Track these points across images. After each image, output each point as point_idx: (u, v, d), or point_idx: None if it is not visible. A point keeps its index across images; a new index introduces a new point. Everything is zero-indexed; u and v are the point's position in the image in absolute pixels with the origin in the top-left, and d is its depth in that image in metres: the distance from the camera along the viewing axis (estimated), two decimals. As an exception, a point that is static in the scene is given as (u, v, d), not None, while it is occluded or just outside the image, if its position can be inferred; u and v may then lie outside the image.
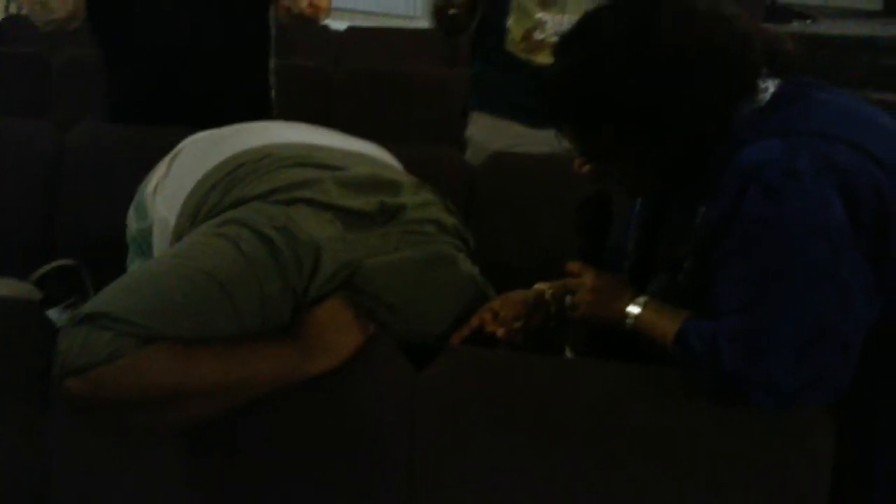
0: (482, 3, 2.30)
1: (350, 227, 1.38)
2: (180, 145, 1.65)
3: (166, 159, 1.63)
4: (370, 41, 4.46)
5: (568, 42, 1.33)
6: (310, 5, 2.28)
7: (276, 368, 1.27)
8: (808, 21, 5.52)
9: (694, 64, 1.22)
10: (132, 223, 1.66)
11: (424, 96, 3.34)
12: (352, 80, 3.40)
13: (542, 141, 2.31)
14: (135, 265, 1.65)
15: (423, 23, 6.41)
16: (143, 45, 2.28)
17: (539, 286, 1.55)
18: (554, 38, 2.23)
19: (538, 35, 2.27)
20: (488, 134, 2.44)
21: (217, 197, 1.42)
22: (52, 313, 1.83)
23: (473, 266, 1.54)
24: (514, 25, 2.29)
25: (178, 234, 1.45)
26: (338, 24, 4.64)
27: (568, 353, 1.61)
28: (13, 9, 4.83)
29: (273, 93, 2.48)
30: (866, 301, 1.20)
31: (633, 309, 1.37)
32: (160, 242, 1.54)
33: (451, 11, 2.24)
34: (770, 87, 1.28)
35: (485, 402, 1.39)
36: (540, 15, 2.26)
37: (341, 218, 1.38)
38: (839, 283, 1.18)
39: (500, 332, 1.48)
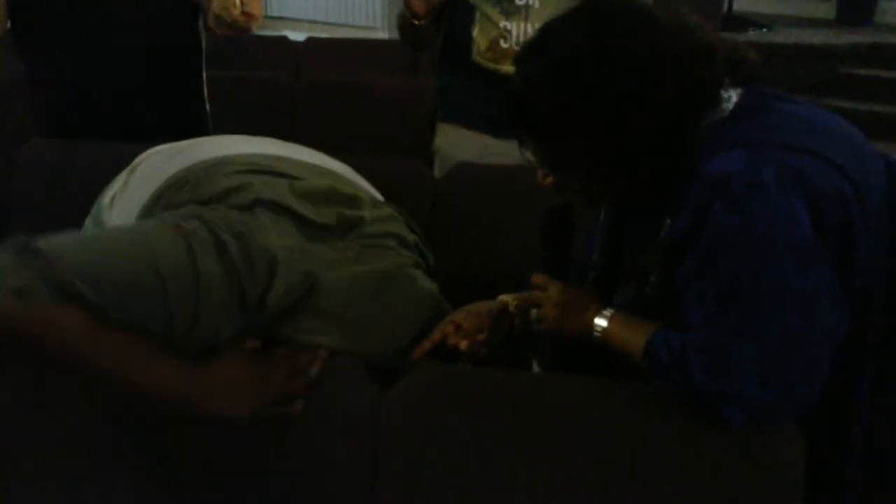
0: (446, 15, 2.30)
1: (307, 237, 1.36)
2: (138, 159, 1.61)
3: (124, 173, 1.60)
4: (330, 52, 4.43)
5: (528, 52, 1.31)
6: (242, 13, 2.22)
7: (166, 389, 1.23)
8: (764, 29, 5.60)
9: (655, 75, 1.20)
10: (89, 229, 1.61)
11: (386, 107, 3.32)
12: (312, 91, 3.37)
13: (509, 151, 2.29)
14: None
15: (383, 33, 6.44)
16: (66, 60, 2.23)
17: (503, 298, 1.54)
18: (519, 48, 2.23)
19: (503, 44, 2.26)
20: (455, 145, 2.43)
21: (169, 198, 1.40)
22: None
23: (432, 283, 1.52)
24: (479, 35, 2.28)
25: None
26: (297, 35, 4.61)
27: (535, 368, 1.59)
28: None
29: (207, 106, 2.44)
30: (834, 313, 1.20)
31: (600, 321, 1.36)
32: None
33: (417, 23, 2.23)
34: (733, 97, 1.27)
35: (451, 420, 1.37)
36: (504, 24, 2.25)
37: (299, 226, 1.35)
38: (806, 295, 1.17)
39: (463, 344, 1.47)
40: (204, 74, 2.45)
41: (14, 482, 1.41)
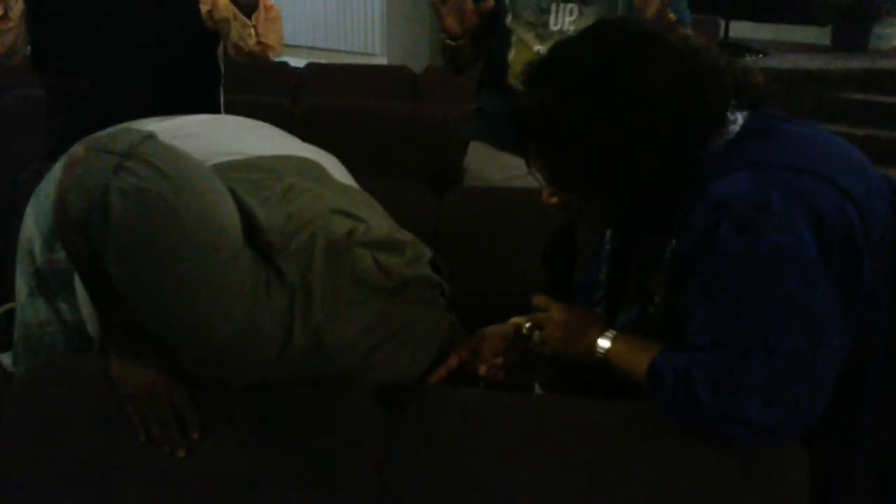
0: (487, 39, 2.32)
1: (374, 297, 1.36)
2: None
3: None
4: (330, 77, 4.45)
5: (537, 72, 1.31)
6: (257, 43, 2.28)
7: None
8: (760, 55, 5.64)
9: (662, 97, 1.21)
10: (38, 250, 1.56)
11: (386, 131, 3.33)
12: (312, 115, 3.39)
13: None
14: (33, 313, 1.59)
15: (382, 59, 6.47)
16: (86, 84, 2.25)
17: (515, 320, 1.53)
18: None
19: None
20: (485, 163, 2.45)
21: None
22: (4, 358, 1.78)
23: (451, 313, 1.52)
24: (514, 59, 2.30)
25: None
26: (297, 61, 4.63)
27: (537, 390, 1.59)
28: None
29: None
30: (838, 333, 1.20)
31: (603, 342, 1.36)
32: None
33: (454, 44, 2.25)
34: (739, 119, 1.27)
35: (457, 441, 1.37)
36: (538, 48, 2.26)
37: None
38: (811, 317, 1.17)
39: (482, 369, 1.47)
40: (222, 99, 2.48)
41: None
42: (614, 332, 1.36)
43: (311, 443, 1.38)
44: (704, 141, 1.25)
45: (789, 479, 1.30)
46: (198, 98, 2.29)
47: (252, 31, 2.24)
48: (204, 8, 2.26)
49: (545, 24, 2.26)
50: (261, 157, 1.49)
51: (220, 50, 2.42)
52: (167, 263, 1.17)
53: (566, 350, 1.41)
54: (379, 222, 1.45)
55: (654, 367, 1.27)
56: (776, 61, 5.53)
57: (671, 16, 2.10)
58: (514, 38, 2.29)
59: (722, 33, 5.96)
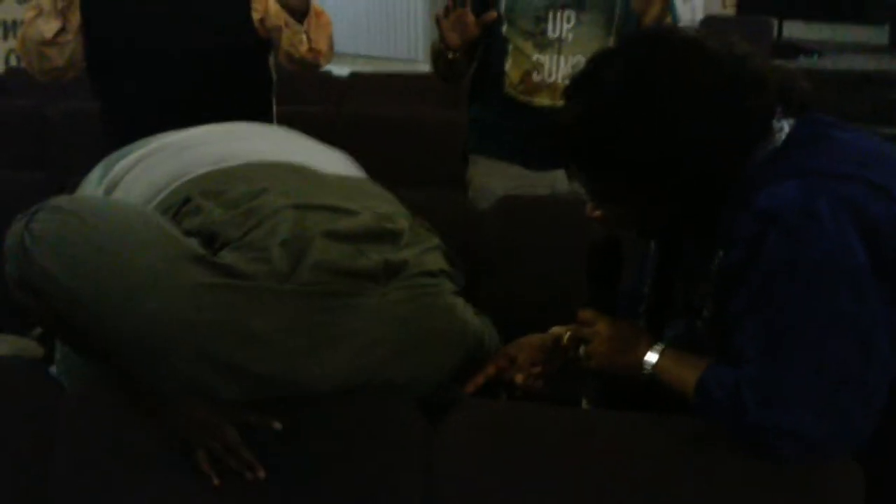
0: (479, 48, 2.30)
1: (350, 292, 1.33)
2: (112, 177, 1.57)
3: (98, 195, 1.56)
4: (373, 86, 4.46)
5: (577, 85, 1.30)
6: (309, 50, 2.28)
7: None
8: (815, 56, 5.52)
9: (704, 107, 1.19)
10: None
11: (429, 140, 3.34)
12: (355, 124, 3.39)
13: (541, 182, 2.31)
14: None
15: (425, 66, 6.48)
16: (140, 98, 2.27)
17: (556, 330, 1.52)
18: (552, 80, 2.24)
19: (536, 77, 2.27)
20: (488, 176, 2.44)
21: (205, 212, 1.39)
22: (54, 370, 1.76)
23: (467, 306, 1.50)
24: (511, 68, 2.29)
25: None
26: (340, 70, 4.64)
27: (584, 405, 1.57)
28: (13, 61, 4.85)
29: None
30: (889, 346, 1.17)
31: (651, 357, 1.33)
32: None
33: (452, 56, 2.24)
34: (785, 127, 1.25)
35: (503, 455, 1.36)
36: (537, 57, 2.26)
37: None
38: (861, 328, 1.15)
39: (519, 378, 1.47)
40: (274, 108, 2.50)
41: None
42: (662, 347, 1.34)
43: (356, 456, 1.38)
44: (749, 149, 1.23)
45: (843, 497, 1.27)
46: (251, 108, 2.31)
47: (304, 37, 2.25)
48: (256, 16, 2.28)
49: (543, 32, 2.25)
50: (244, 165, 1.49)
51: (272, 59, 2.43)
52: (101, 271, 1.23)
53: (613, 365, 1.39)
54: (370, 213, 1.42)
55: (702, 383, 1.25)
56: (831, 62, 5.41)
57: (668, 19, 2.09)
58: (510, 48, 2.28)
59: (775, 33, 5.85)
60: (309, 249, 1.31)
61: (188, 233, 1.34)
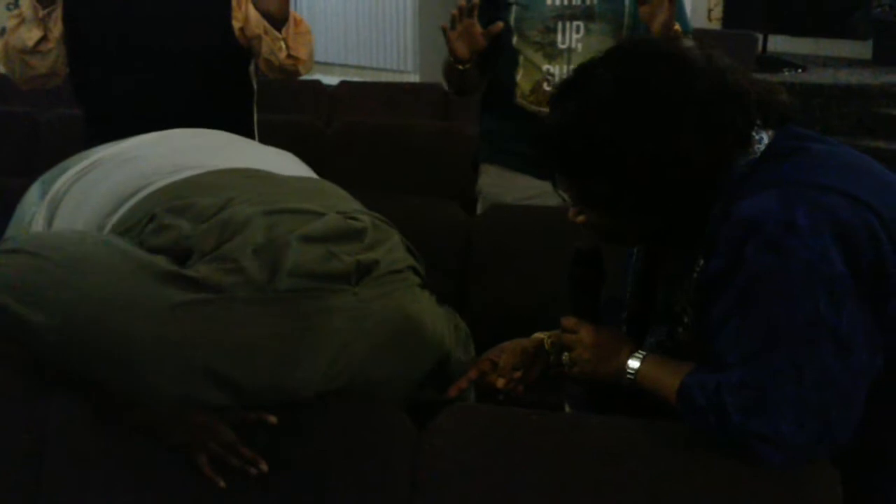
0: (492, 61, 2.31)
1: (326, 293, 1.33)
2: (52, 196, 1.54)
3: (40, 218, 1.53)
4: (362, 96, 4.47)
5: (562, 93, 1.32)
6: (288, 57, 2.29)
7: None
8: (799, 70, 5.57)
9: (686, 117, 1.21)
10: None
11: (418, 150, 3.34)
12: (344, 134, 3.40)
13: (553, 193, 2.30)
14: None
15: (415, 77, 6.50)
16: (122, 104, 2.27)
17: (538, 335, 1.53)
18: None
19: (546, 87, 2.28)
20: (499, 186, 2.45)
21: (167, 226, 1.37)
22: None
23: (431, 298, 1.51)
24: (522, 79, 2.30)
25: None
26: (329, 79, 4.66)
27: (567, 410, 1.57)
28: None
29: None
30: (868, 353, 1.19)
31: (633, 363, 1.35)
32: None
33: (461, 68, 2.24)
34: (765, 138, 1.27)
35: (487, 459, 1.36)
36: (547, 67, 2.28)
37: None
38: (840, 336, 1.17)
39: (500, 382, 1.47)
40: (255, 117, 2.50)
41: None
42: (644, 353, 1.36)
43: (342, 460, 1.38)
44: (729, 160, 1.24)
45: (821, 500, 1.28)
46: (230, 116, 2.32)
47: (283, 44, 2.25)
48: (236, 25, 2.29)
49: (553, 43, 2.26)
50: (203, 175, 1.48)
51: (252, 68, 2.44)
52: (68, 304, 1.22)
53: (596, 371, 1.40)
54: (335, 213, 1.41)
55: (684, 388, 1.26)
56: (815, 76, 5.45)
57: (677, 27, 2.10)
58: (521, 59, 2.29)
59: (760, 48, 5.89)
60: (284, 255, 1.30)
61: (156, 250, 1.32)
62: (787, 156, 1.25)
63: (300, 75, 2.44)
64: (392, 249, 1.44)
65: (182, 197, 1.41)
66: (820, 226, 1.16)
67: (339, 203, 1.48)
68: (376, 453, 1.39)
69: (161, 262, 1.28)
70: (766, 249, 1.17)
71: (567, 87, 1.32)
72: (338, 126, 3.49)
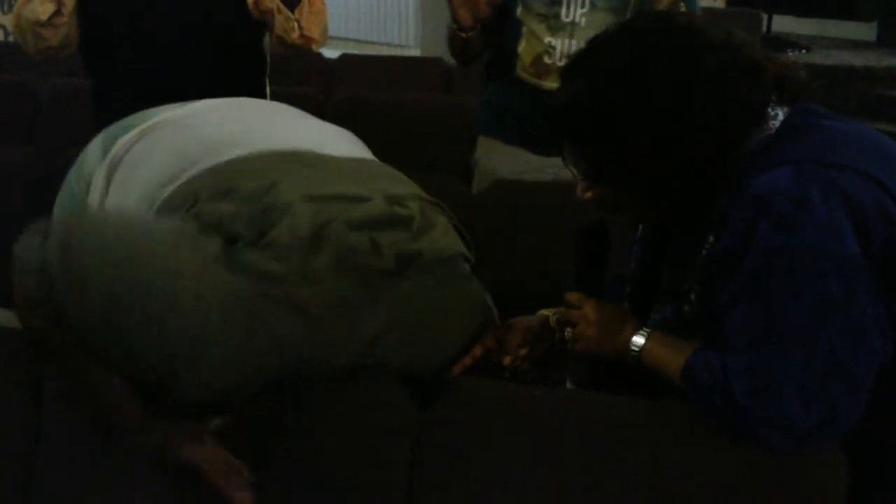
0: (496, 31, 2.30)
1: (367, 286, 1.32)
2: (112, 157, 1.53)
3: (100, 177, 1.53)
4: (363, 69, 4.44)
5: (574, 67, 1.30)
6: (300, 36, 2.29)
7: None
8: (804, 51, 5.54)
9: (701, 92, 1.19)
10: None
11: (419, 124, 3.33)
12: (345, 107, 3.38)
13: (547, 168, 2.30)
14: None
15: (416, 51, 6.46)
16: (134, 76, 2.26)
17: (543, 312, 1.51)
18: (562, 64, 2.22)
19: (547, 60, 2.27)
20: (494, 159, 2.44)
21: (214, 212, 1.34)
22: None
23: (479, 285, 1.50)
24: (524, 51, 2.29)
25: None
26: (330, 53, 4.62)
27: (568, 386, 1.56)
28: (1, 35, 4.80)
29: None
30: (878, 336, 1.18)
31: (638, 339, 1.34)
32: None
33: (464, 36, 2.24)
34: (779, 115, 1.25)
35: (489, 436, 1.36)
36: (549, 40, 2.26)
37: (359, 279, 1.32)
38: (851, 318, 1.16)
39: (507, 360, 1.46)
40: (268, 90, 2.49)
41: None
42: (649, 330, 1.34)
43: (343, 437, 1.37)
44: (743, 136, 1.23)
45: (827, 484, 1.28)
46: (244, 89, 2.30)
47: (295, 24, 2.25)
48: None
49: (557, 16, 2.25)
50: (250, 157, 1.45)
51: (266, 40, 2.42)
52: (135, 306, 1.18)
53: (600, 348, 1.39)
54: (381, 198, 1.39)
55: (689, 367, 1.25)
56: (820, 57, 5.43)
57: (681, 7, 2.09)
58: (524, 30, 2.28)
59: (764, 27, 5.86)
60: (328, 245, 1.29)
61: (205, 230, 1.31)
62: (802, 133, 1.24)
63: (313, 52, 2.42)
64: (439, 237, 1.41)
65: (228, 180, 1.39)
66: (833, 205, 1.15)
67: (392, 186, 1.45)
68: (377, 430, 1.38)
69: (217, 248, 1.27)
70: (779, 228, 1.16)
71: (579, 60, 1.30)
72: (339, 98, 3.47)
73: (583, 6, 2.23)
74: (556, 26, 2.25)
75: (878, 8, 5.92)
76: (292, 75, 3.91)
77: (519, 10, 2.27)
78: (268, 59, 2.47)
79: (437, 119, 3.28)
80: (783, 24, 6.27)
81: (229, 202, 1.34)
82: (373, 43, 6.77)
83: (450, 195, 2.28)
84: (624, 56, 1.23)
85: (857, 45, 6.04)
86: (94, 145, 1.60)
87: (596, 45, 1.29)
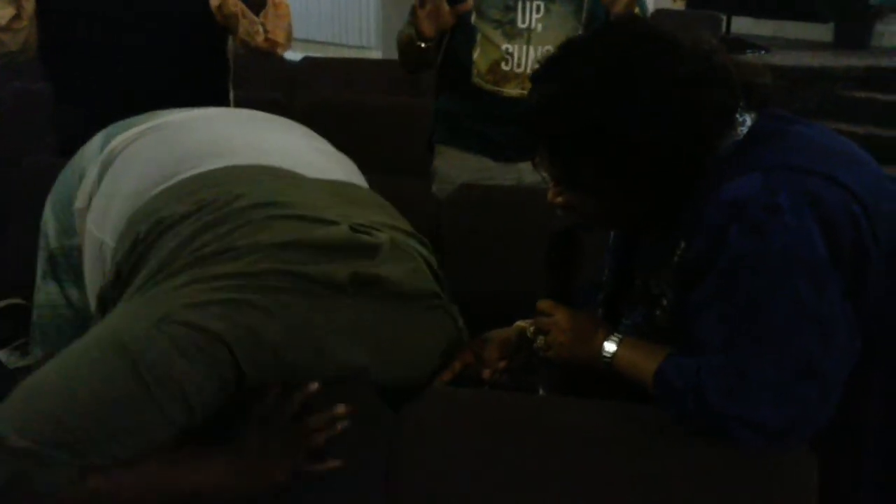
0: (447, 37, 2.29)
1: (317, 296, 1.27)
2: (108, 152, 1.52)
3: (93, 172, 1.51)
4: (326, 72, 4.41)
5: (546, 70, 1.30)
6: (265, 39, 2.28)
7: (212, 488, 1.22)
8: (762, 52, 5.60)
9: (672, 99, 1.19)
10: (53, 235, 1.57)
11: (385, 127, 3.30)
12: (310, 111, 3.34)
13: (507, 174, 2.30)
14: (45, 296, 1.59)
15: (377, 53, 6.44)
16: (95, 80, 2.25)
17: (519, 324, 1.51)
18: (521, 70, 2.24)
19: (504, 67, 2.26)
20: (454, 167, 2.43)
21: (176, 245, 1.30)
22: (1, 354, 1.77)
23: (456, 316, 1.46)
24: (479, 58, 2.28)
25: (131, 263, 1.33)
26: (292, 55, 4.59)
27: (541, 393, 1.56)
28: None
29: None
30: (848, 337, 1.19)
31: (609, 346, 1.34)
32: (93, 264, 1.45)
33: (423, 46, 2.22)
34: (747, 120, 1.26)
35: (464, 443, 1.36)
36: (506, 46, 2.25)
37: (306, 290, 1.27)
38: (822, 320, 1.17)
39: (486, 373, 1.46)
40: (231, 95, 2.48)
41: None
42: (620, 336, 1.35)
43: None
44: (713, 142, 1.24)
45: (798, 483, 1.29)
46: (207, 93, 2.29)
47: (260, 27, 2.23)
48: (213, 2, 2.26)
49: (512, 22, 2.25)
50: (224, 169, 1.42)
51: (230, 45, 2.41)
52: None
53: (572, 355, 1.39)
54: (347, 225, 1.34)
55: (661, 372, 1.26)
56: (778, 58, 5.50)
57: (636, 10, 2.10)
58: (479, 37, 2.27)
59: (723, 29, 5.92)
60: (269, 255, 1.26)
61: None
62: (771, 138, 1.25)
63: (278, 55, 2.42)
64: (410, 271, 1.36)
65: (192, 192, 1.37)
66: (803, 210, 1.16)
67: (368, 214, 1.40)
68: (352, 439, 1.35)
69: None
70: (750, 233, 1.16)
71: (550, 67, 1.29)
72: (303, 103, 3.44)
73: (538, 11, 2.23)
74: (512, 32, 2.25)
75: (834, 9, 6.01)
76: (254, 80, 3.88)
77: (473, 17, 2.26)
78: (231, 63, 2.45)
79: (402, 122, 3.26)
80: (742, 25, 6.35)
81: (180, 204, 1.33)
82: (333, 44, 6.75)
83: (416, 199, 2.29)
84: (598, 63, 1.23)
85: (814, 45, 6.13)
86: (96, 139, 1.60)
87: (568, 51, 1.29)
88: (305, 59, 4.65)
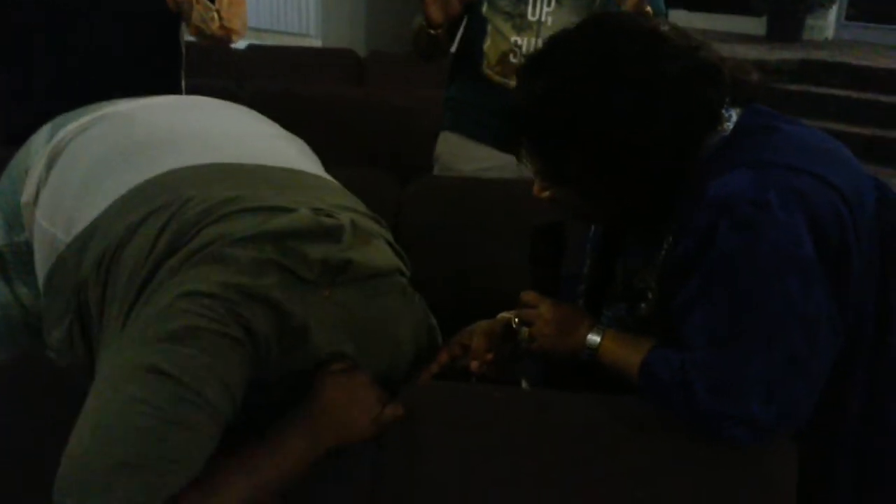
0: (462, 26, 2.29)
1: (292, 285, 1.25)
2: (56, 144, 1.47)
3: (40, 164, 1.46)
4: (272, 60, 4.36)
5: (532, 66, 1.29)
6: (221, 27, 2.25)
7: (302, 457, 1.23)
8: (699, 45, 5.70)
9: (659, 94, 1.19)
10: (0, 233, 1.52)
11: (332, 116, 3.27)
12: (258, 99, 3.29)
13: (510, 164, 2.30)
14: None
15: (317, 41, 6.37)
16: (47, 69, 2.19)
17: (504, 315, 1.50)
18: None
19: (513, 59, 2.26)
20: (457, 155, 2.43)
21: (163, 247, 1.26)
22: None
23: (418, 301, 1.44)
24: (489, 49, 2.28)
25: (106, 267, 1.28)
26: (238, 43, 4.53)
27: (524, 386, 1.56)
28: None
29: None
30: (832, 332, 1.21)
31: (594, 338, 1.34)
32: (45, 259, 1.40)
33: (433, 33, 2.21)
34: (733, 116, 1.27)
35: (448, 436, 1.35)
36: (515, 38, 2.25)
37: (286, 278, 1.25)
38: (808, 317, 1.18)
39: (474, 365, 1.44)
40: (183, 83, 2.42)
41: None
42: (604, 329, 1.35)
43: None
44: (701, 138, 1.24)
45: (778, 474, 1.31)
46: (159, 80, 2.25)
47: (215, 14, 2.19)
48: None
49: (522, 15, 2.24)
50: (170, 172, 1.38)
51: (182, 32, 2.36)
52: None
53: (556, 347, 1.39)
54: (306, 209, 1.32)
55: (647, 364, 1.26)
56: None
57: (648, 9, 2.10)
58: (489, 28, 2.27)
59: (659, 21, 6.00)
60: (228, 256, 1.23)
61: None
62: (758, 135, 1.25)
63: (232, 43, 2.38)
64: (373, 250, 1.35)
65: (144, 201, 1.33)
66: (791, 207, 1.16)
67: (325, 198, 1.37)
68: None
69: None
70: (738, 230, 1.17)
71: (537, 62, 1.28)
72: (253, 92, 3.39)
73: (549, 5, 2.23)
74: (521, 25, 2.24)
75: (767, 3, 6.14)
76: (200, 66, 3.81)
77: (485, 8, 2.26)
78: (183, 50, 2.40)
79: (353, 112, 3.24)
80: (677, 17, 6.42)
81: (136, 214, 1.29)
82: (273, 31, 6.66)
83: (377, 190, 2.27)
84: (585, 58, 1.22)
85: (747, 38, 6.25)
86: (43, 132, 1.54)
87: (554, 46, 1.28)
88: (251, 46, 4.58)
